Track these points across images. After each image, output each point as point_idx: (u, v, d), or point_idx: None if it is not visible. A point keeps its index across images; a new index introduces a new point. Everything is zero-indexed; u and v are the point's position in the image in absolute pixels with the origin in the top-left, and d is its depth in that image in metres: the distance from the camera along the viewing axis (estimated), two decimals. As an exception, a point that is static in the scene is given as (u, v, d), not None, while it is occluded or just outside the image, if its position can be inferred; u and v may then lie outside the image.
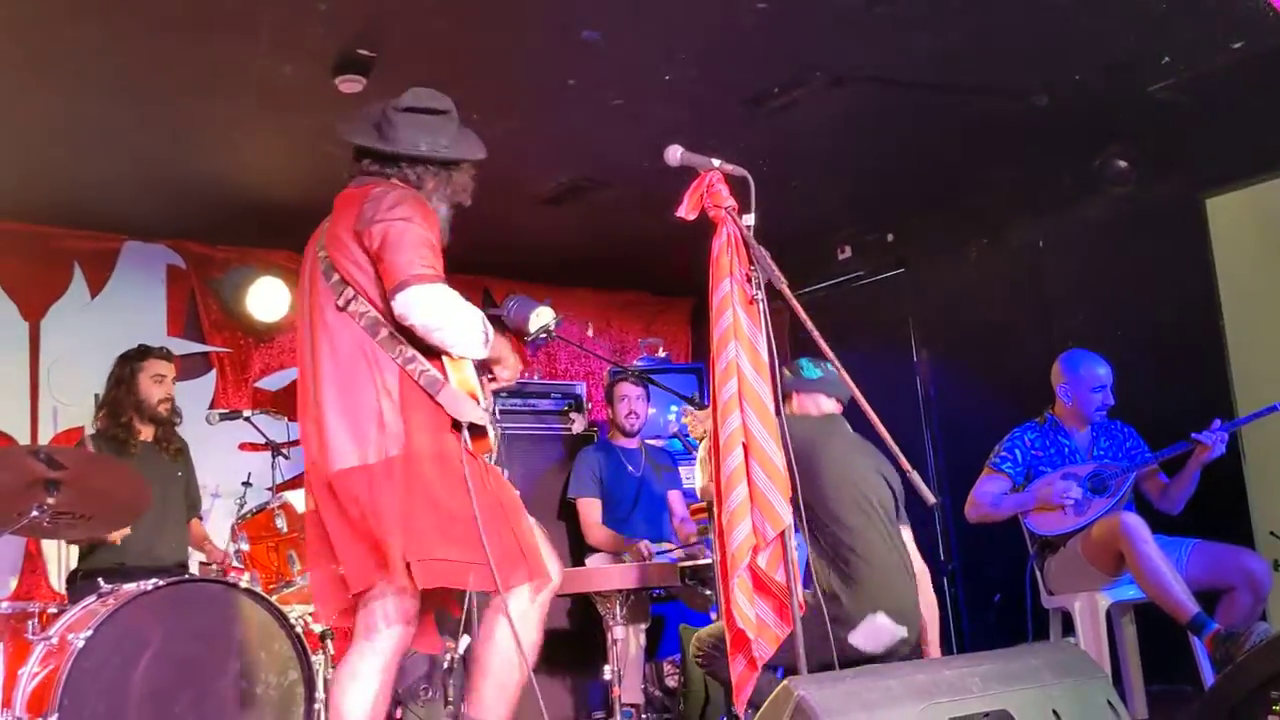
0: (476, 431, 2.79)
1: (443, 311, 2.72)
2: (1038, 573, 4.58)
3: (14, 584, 5.21)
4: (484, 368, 2.93)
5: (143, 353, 4.82)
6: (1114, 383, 4.59)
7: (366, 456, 2.72)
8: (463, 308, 2.77)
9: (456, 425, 2.78)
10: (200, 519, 5.05)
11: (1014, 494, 4.56)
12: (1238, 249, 5.11)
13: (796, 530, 3.03)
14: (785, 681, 1.95)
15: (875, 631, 3.60)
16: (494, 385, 3.00)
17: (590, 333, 6.39)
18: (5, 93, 4.25)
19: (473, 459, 2.77)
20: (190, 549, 4.92)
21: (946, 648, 5.69)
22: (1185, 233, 5.23)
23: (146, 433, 4.77)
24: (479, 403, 2.79)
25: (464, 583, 2.74)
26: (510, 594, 2.78)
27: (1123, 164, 5.32)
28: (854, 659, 3.44)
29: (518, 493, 3.00)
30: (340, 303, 2.80)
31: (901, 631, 3.63)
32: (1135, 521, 4.15)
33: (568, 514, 5.49)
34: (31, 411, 5.42)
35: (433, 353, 2.79)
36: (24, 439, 5.35)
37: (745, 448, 2.93)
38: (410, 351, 2.77)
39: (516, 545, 2.80)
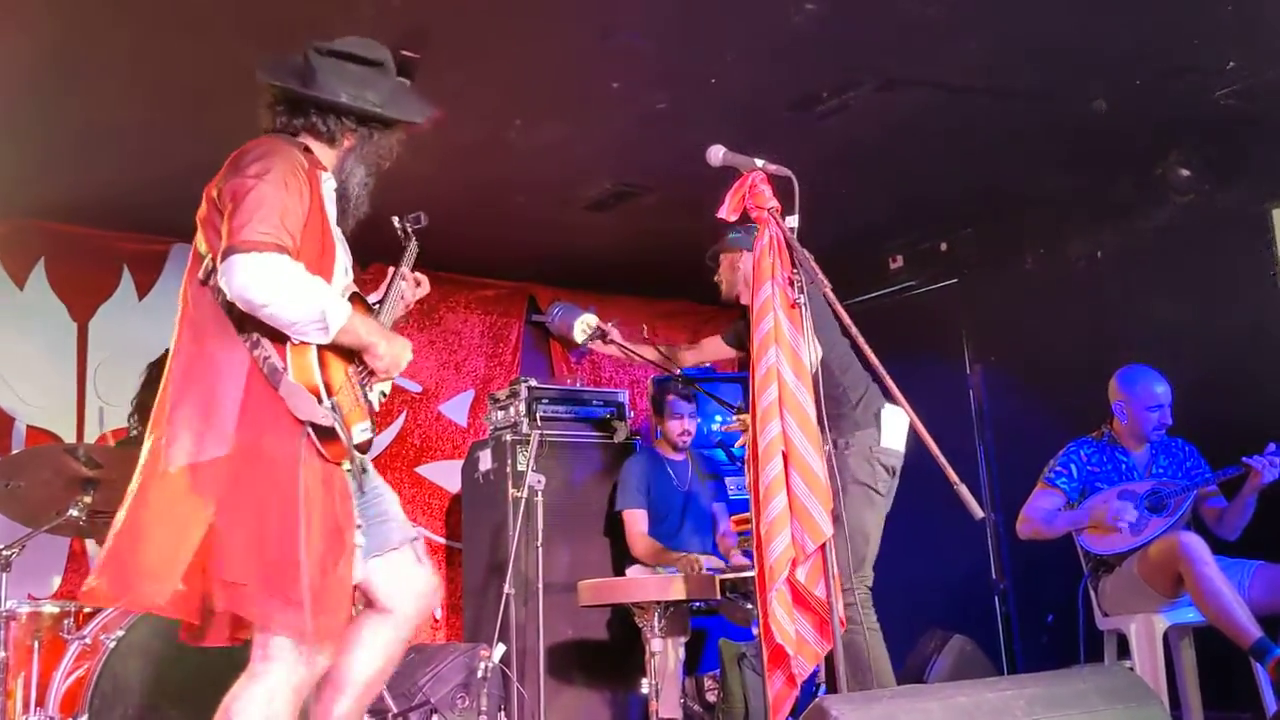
0: (323, 434, 2.40)
1: (267, 285, 2.31)
2: (1091, 593, 4.43)
3: (57, 583, 5.23)
4: (355, 358, 2.53)
5: (167, 354, 4.82)
6: (1173, 400, 4.44)
7: (198, 454, 2.35)
8: (296, 283, 2.35)
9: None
10: None
11: (1068, 510, 4.41)
12: (1305, 261, 4.94)
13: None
14: (818, 700, 1.85)
15: (895, 423, 3.67)
16: (374, 380, 2.58)
17: (645, 333, 6.28)
18: (55, 95, 4.28)
19: (325, 468, 2.43)
20: None
21: (997, 668, 5.56)
22: (1249, 244, 5.08)
23: None
24: (321, 400, 2.39)
25: (255, 615, 2.34)
26: (288, 648, 2.36)
27: (1185, 172, 5.17)
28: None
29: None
30: (201, 275, 2.49)
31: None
32: (1195, 541, 4.00)
33: (614, 527, 5.39)
34: (78, 412, 5.45)
35: (278, 338, 2.41)
36: (70, 438, 5.37)
37: (785, 456, 2.85)
38: (256, 335, 2.41)
39: (329, 591, 2.37)
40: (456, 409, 6.56)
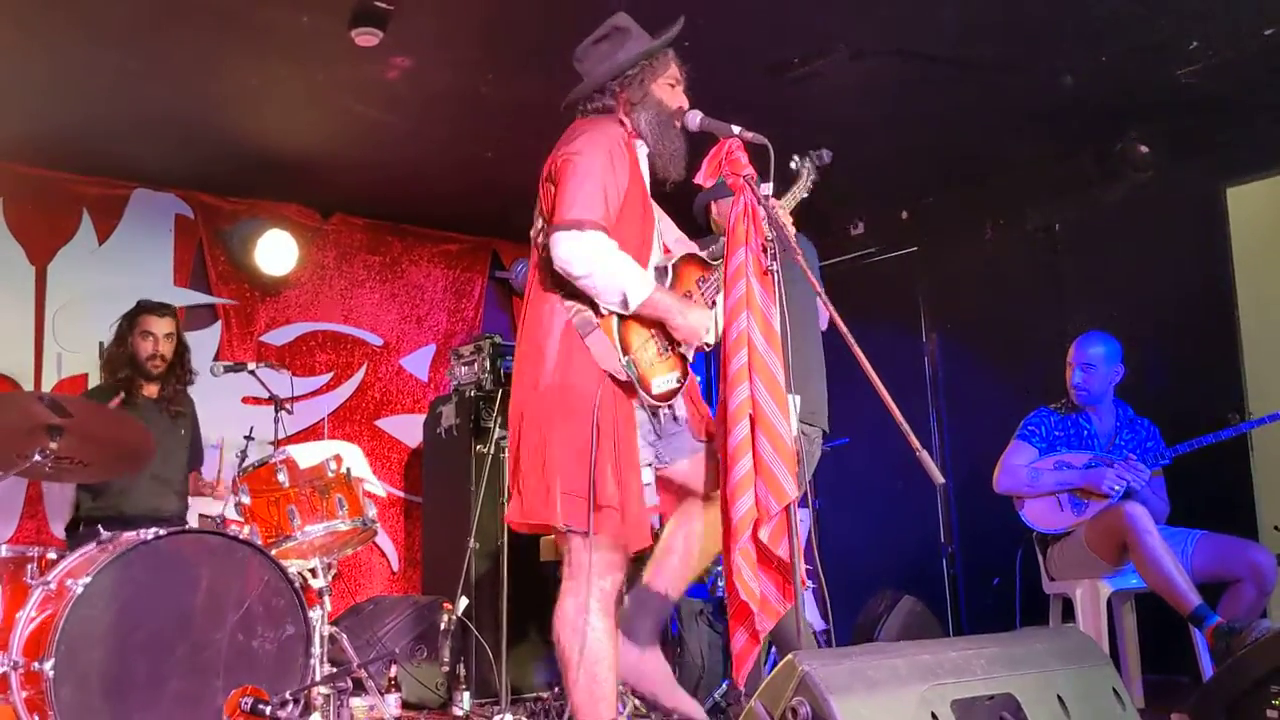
0: (620, 385, 2.86)
1: (585, 261, 2.79)
2: (1040, 558, 4.56)
3: (13, 528, 5.20)
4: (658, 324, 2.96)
5: (137, 309, 4.77)
6: (1096, 366, 4.54)
7: (527, 385, 2.90)
8: (609, 261, 2.81)
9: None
10: (199, 472, 5.02)
11: (1054, 471, 4.50)
12: (1257, 241, 5.07)
13: (802, 505, 3.01)
14: (790, 656, 1.92)
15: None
16: (684, 350, 3.01)
17: None
18: (19, 36, 4.21)
19: (622, 407, 2.85)
20: (192, 499, 4.92)
21: (944, 628, 5.71)
22: (1205, 222, 5.19)
23: (150, 389, 4.74)
24: (620, 357, 2.84)
25: (561, 516, 2.81)
26: (583, 565, 2.85)
27: (1144, 149, 5.26)
28: None
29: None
30: (533, 233, 3.00)
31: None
32: (1139, 511, 4.14)
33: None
34: (35, 357, 5.40)
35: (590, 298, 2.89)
36: (28, 384, 5.33)
37: (752, 419, 2.90)
38: (574, 293, 2.88)
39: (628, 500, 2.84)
40: (417, 363, 6.56)
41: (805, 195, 3.33)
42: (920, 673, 1.97)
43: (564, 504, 2.80)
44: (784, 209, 3.27)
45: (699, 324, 2.98)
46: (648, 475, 2.97)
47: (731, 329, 2.95)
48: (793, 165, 3.30)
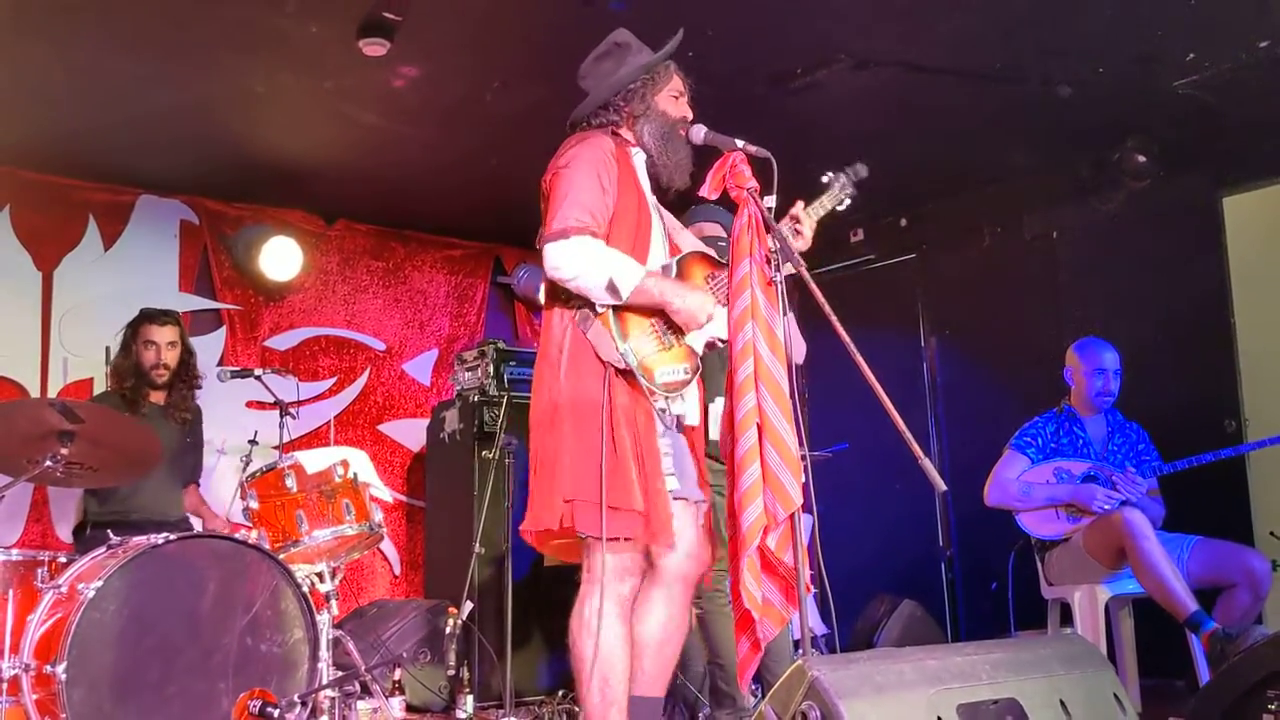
0: (623, 374, 2.88)
1: (570, 264, 2.84)
2: (1038, 564, 4.61)
3: (19, 532, 5.24)
4: (659, 313, 2.97)
5: (139, 317, 4.80)
6: (1120, 374, 4.59)
7: (542, 395, 2.93)
8: (595, 257, 2.85)
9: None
10: (197, 485, 5.03)
11: (1044, 486, 4.51)
12: (1253, 249, 5.12)
13: (806, 511, 3.04)
14: (799, 662, 1.97)
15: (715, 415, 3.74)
16: (682, 333, 3.01)
17: None
18: (26, 42, 4.24)
19: (631, 402, 2.87)
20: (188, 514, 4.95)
21: (943, 633, 5.75)
22: (1201, 230, 5.24)
23: (156, 396, 4.77)
24: (618, 346, 2.87)
25: (581, 524, 2.82)
26: (610, 548, 2.85)
27: (1141, 158, 5.31)
28: None
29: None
30: (536, 243, 3.03)
31: None
32: (1137, 517, 4.18)
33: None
34: (42, 362, 5.44)
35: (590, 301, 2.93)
36: (34, 389, 5.37)
37: (759, 429, 2.94)
38: (576, 299, 2.94)
39: (653, 500, 2.85)
40: (420, 368, 6.60)
41: (839, 208, 3.34)
42: (927, 677, 2.02)
43: (578, 510, 2.82)
44: (811, 217, 3.23)
45: (698, 306, 2.98)
46: (671, 484, 2.96)
47: (737, 339, 3.00)
48: (825, 179, 3.30)
